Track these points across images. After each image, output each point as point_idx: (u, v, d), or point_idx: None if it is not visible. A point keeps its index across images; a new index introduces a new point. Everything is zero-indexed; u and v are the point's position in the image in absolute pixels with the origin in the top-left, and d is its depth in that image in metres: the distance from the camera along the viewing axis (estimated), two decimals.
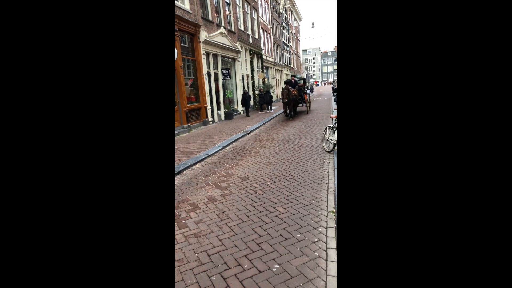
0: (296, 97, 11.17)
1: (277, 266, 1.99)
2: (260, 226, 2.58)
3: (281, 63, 26.25)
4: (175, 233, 2.58)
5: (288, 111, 10.58)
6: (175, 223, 2.78)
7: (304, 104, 12.94)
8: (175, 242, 2.43)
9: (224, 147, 6.28)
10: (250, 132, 8.20)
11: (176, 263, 2.12)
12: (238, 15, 14.41)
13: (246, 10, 15.79)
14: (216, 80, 11.75)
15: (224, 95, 12.76)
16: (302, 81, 13.60)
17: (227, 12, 13.00)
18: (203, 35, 10.40)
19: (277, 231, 2.47)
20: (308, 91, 16.45)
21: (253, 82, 15.97)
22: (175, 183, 4.07)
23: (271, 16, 22.71)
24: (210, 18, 11.21)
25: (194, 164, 4.92)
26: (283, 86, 11.12)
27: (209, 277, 1.93)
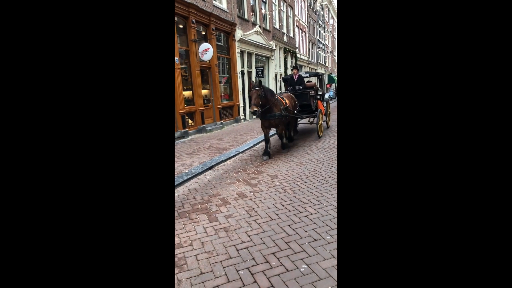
0: (291, 109, 5.39)
1: (305, 266, 1.97)
2: (289, 225, 2.57)
3: (315, 61, 25.74)
4: (206, 226, 2.67)
5: (268, 141, 5.07)
6: (206, 216, 2.87)
7: (313, 120, 7.36)
8: (205, 234, 2.51)
9: (254, 145, 6.33)
10: None
11: (206, 255, 2.19)
12: (273, 13, 14.39)
13: (282, 8, 15.71)
14: (249, 78, 11.86)
15: None
16: (313, 79, 7.97)
17: (263, 11, 13.03)
18: (239, 33, 10.54)
19: (306, 231, 2.44)
20: (328, 95, 11.64)
21: None
22: (207, 177, 4.20)
23: (307, 14, 22.33)
24: (246, 17, 11.33)
25: (225, 160, 5.03)
26: (253, 82, 5.42)
27: (237, 271, 1.96)
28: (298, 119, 6.56)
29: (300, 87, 6.73)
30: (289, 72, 14.93)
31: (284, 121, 5.25)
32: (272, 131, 5.87)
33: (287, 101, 5.31)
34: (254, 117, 8.69)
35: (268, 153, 5.04)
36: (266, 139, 5.09)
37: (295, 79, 6.77)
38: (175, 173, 4.29)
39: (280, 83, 14.79)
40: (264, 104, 4.68)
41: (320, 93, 7.04)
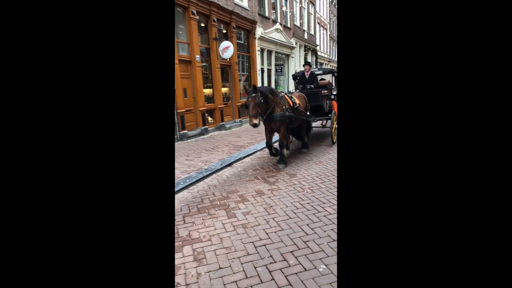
0: (301, 111, 4.72)
1: (324, 266, 1.95)
2: (307, 225, 2.55)
3: (336, 59, 25.21)
4: (225, 222, 2.70)
5: (270, 147, 4.42)
6: (225, 212, 2.91)
7: (326, 123, 6.47)
8: (224, 230, 2.54)
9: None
10: None
11: (224, 250, 2.22)
12: (294, 10, 14.23)
13: (303, 5, 15.50)
14: (269, 76, 11.83)
15: None
16: (327, 77, 7.24)
17: (284, 8, 12.93)
18: (259, 31, 10.53)
19: (324, 231, 2.41)
20: None
21: None
22: (226, 174, 4.25)
23: (329, 10, 21.89)
24: (267, 15, 11.29)
25: (243, 158, 5.06)
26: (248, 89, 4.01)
27: (255, 268, 1.98)
28: (311, 122, 5.54)
29: (312, 85, 5.85)
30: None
31: (290, 123, 4.42)
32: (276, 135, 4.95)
33: (297, 101, 4.61)
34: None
35: (284, 160, 4.41)
36: (268, 145, 4.39)
37: (307, 77, 5.97)
38: (195, 169, 4.38)
39: None
40: (265, 110, 4.03)
41: (334, 93, 6.08)
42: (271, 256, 2.11)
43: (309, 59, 16.38)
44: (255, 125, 3.81)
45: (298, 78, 6.26)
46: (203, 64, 8.09)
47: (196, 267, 2.04)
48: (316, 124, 6.36)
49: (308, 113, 5.05)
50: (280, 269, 1.95)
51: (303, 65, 6.38)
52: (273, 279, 1.85)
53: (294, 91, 6.07)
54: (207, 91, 8.34)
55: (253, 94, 3.86)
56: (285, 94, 4.56)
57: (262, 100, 3.88)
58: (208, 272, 1.97)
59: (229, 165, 4.66)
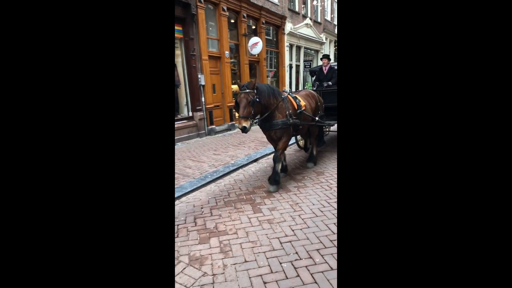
0: (309, 113, 3.75)
1: None
2: (334, 223, 2.50)
3: None
4: (250, 216, 2.73)
5: (279, 160, 3.37)
6: (251, 207, 2.94)
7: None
8: (250, 224, 2.57)
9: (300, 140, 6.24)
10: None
11: (250, 244, 2.25)
12: (325, 4, 13.85)
13: None
14: (297, 72, 11.68)
15: (304, 87, 12.60)
16: None
17: (315, 2, 12.63)
18: (288, 26, 10.40)
19: None
20: None
21: None
22: (252, 169, 4.28)
23: None
24: (297, 9, 11.11)
25: (269, 154, 5.06)
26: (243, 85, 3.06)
27: (280, 263, 1.98)
28: (325, 128, 4.55)
29: (330, 82, 4.96)
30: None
31: (296, 131, 3.57)
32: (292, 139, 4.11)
33: (303, 102, 3.63)
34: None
35: (276, 180, 3.35)
36: (275, 157, 3.37)
37: (325, 72, 5.13)
38: (222, 163, 4.46)
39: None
40: (261, 112, 3.15)
41: None
42: (296, 253, 2.10)
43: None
44: (244, 129, 2.93)
45: (316, 73, 5.50)
46: (232, 60, 8.17)
47: (222, 258, 2.09)
48: (334, 128, 5.73)
49: (318, 117, 3.97)
50: (306, 266, 1.93)
51: (321, 59, 5.42)
52: (298, 275, 1.85)
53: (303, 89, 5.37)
54: (235, 87, 8.43)
55: (247, 90, 2.98)
56: (288, 94, 3.58)
57: (257, 99, 2.99)
58: (234, 264, 2.01)
59: (255, 160, 4.69)
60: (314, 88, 5.15)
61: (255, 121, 3.21)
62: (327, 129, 5.25)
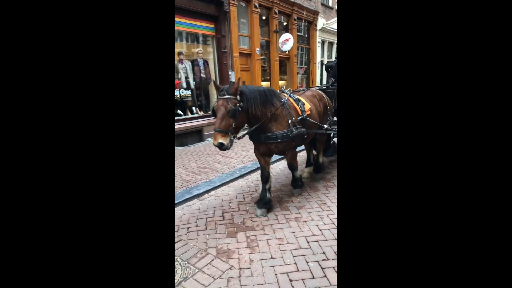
0: (315, 119, 2.97)
1: None
2: None
3: None
4: (277, 214, 2.73)
5: (267, 180, 2.75)
6: (278, 204, 2.94)
7: None
8: (277, 222, 2.57)
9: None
10: None
11: (276, 241, 2.25)
12: None
13: None
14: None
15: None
16: None
17: None
18: (321, 22, 10.16)
19: None
20: None
21: None
22: (280, 167, 4.27)
23: None
24: (330, 4, 10.80)
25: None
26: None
27: (307, 262, 1.96)
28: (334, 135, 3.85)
29: None
30: None
31: (301, 140, 2.86)
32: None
33: (308, 105, 2.90)
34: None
35: (267, 203, 2.74)
36: (264, 177, 2.76)
37: None
38: (250, 160, 4.50)
39: None
40: (251, 122, 2.50)
41: None
42: (323, 253, 2.07)
43: None
44: (221, 147, 2.22)
45: (331, 68, 4.79)
46: (262, 57, 8.17)
47: (249, 253, 2.12)
48: None
49: (327, 124, 3.28)
50: (333, 267, 1.90)
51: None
52: (325, 276, 1.82)
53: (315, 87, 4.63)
54: (265, 84, 8.43)
55: (226, 96, 2.25)
56: (289, 96, 2.84)
57: (240, 108, 2.28)
58: (261, 260, 2.03)
59: (282, 158, 4.66)
60: (330, 86, 4.48)
61: (238, 136, 2.46)
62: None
